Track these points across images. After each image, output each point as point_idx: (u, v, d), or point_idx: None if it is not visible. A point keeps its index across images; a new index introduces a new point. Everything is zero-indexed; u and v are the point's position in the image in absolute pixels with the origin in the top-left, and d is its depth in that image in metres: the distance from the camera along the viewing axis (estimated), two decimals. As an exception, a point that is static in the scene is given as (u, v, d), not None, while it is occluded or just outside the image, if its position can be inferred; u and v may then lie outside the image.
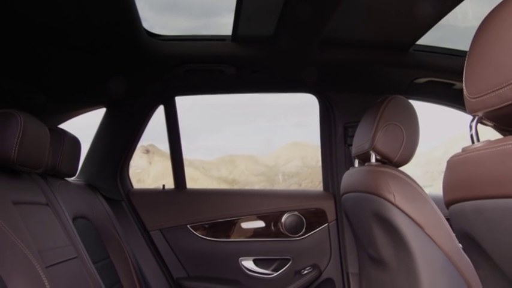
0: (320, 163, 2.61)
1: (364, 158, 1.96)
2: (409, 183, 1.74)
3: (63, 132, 1.87)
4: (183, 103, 2.52)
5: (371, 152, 1.85)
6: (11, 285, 1.06)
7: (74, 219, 1.80)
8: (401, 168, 1.81)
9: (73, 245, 1.61)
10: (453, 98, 2.40)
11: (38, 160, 1.45)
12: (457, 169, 0.98)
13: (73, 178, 2.21)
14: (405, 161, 1.86)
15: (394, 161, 1.83)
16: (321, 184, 2.64)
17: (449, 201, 1.06)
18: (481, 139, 0.94)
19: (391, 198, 1.71)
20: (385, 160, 1.85)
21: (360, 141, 1.96)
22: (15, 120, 1.32)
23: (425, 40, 2.02)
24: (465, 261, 1.64)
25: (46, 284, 1.15)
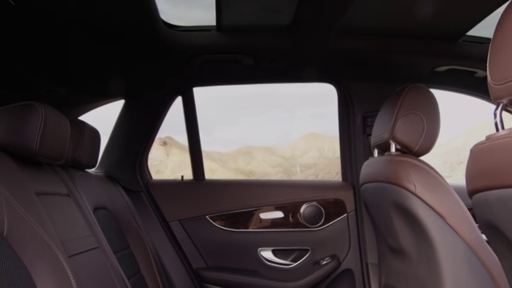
0: (337, 154, 2.60)
1: (384, 148, 1.94)
2: (430, 172, 1.72)
3: (83, 124, 1.88)
4: (200, 96, 2.53)
5: (391, 141, 1.84)
6: (35, 274, 1.07)
7: (95, 210, 1.82)
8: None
9: (94, 235, 1.63)
10: (475, 86, 2.36)
11: (59, 151, 1.47)
12: (481, 157, 0.96)
13: (93, 169, 2.23)
14: (426, 150, 1.83)
15: (414, 151, 1.81)
16: (338, 175, 2.63)
17: (472, 190, 1.04)
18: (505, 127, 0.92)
19: (412, 188, 1.69)
20: (405, 150, 1.83)
21: (379, 130, 1.94)
22: (37, 112, 1.33)
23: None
24: (488, 252, 1.62)
25: (69, 273, 1.17)
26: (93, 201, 1.84)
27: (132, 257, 2.05)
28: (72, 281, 1.17)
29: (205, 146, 2.58)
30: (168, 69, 2.19)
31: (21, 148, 1.32)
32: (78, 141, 1.82)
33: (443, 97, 2.11)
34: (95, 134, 1.98)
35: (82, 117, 2.54)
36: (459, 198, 1.69)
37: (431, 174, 1.72)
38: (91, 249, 1.54)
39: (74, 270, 1.18)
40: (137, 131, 2.52)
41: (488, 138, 0.94)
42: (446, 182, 1.72)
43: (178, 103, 2.54)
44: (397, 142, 1.82)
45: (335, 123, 2.55)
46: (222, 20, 1.85)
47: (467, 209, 1.67)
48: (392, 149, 1.85)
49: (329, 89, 2.51)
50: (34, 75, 2.04)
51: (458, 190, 1.73)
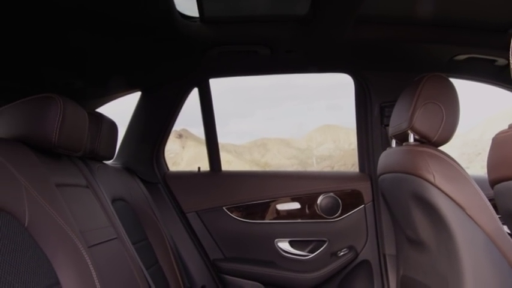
0: (353, 146, 2.59)
1: (402, 138, 1.92)
2: (450, 162, 1.70)
3: (101, 116, 1.89)
4: (214, 88, 2.51)
5: (409, 131, 1.82)
6: (56, 264, 1.09)
7: (113, 201, 1.83)
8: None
9: (113, 226, 1.64)
10: (495, 75, 2.32)
11: (77, 143, 1.48)
12: (503, 146, 0.94)
13: (110, 161, 2.24)
14: (445, 140, 1.81)
15: (433, 141, 1.79)
16: (354, 166, 2.61)
17: (494, 180, 1.02)
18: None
19: (431, 178, 1.68)
20: (423, 140, 1.81)
21: (397, 120, 1.92)
22: (55, 104, 1.34)
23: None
24: (509, 243, 1.60)
25: (89, 263, 1.18)
26: (112, 192, 1.85)
27: (150, 248, 2.07)
28: (92, 270, 1.18)
29: (220, 138, 2.58)
30: (185, 61, 2.18)
31: (40, 140, 1.33)
32: (96, 133, 1.83)
33: (459, 87, 2.08)
34: (112, 126, 2.00)
35: (99, 110, 2.56)
36: (479, 189, 1.67)
37: (450, 165, 1.70)
38: (110, 239, 1.56)
39: (93, 260, 1.20)
40: (154, 123, 2.53)
41: (511, 126, 0.92)
42: (466, 172, 1.69)
43: (193, 95, 2.54)
44: (415, 132, 1.80)
45: (351, 114, 2.53)
46: (238, 11, 1.84)
47: (487, 200, 1.65)
48: (411, 139, 1.83)
49: (345, 80, 2.49)
50: (52, 68, 2.05)
51: (478, 181, 1.71)
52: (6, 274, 0.91)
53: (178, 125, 2.55)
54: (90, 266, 1.18)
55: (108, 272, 1.40)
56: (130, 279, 1.60)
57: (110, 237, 1.56)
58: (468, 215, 1.64)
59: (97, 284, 1.18)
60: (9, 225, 0.98)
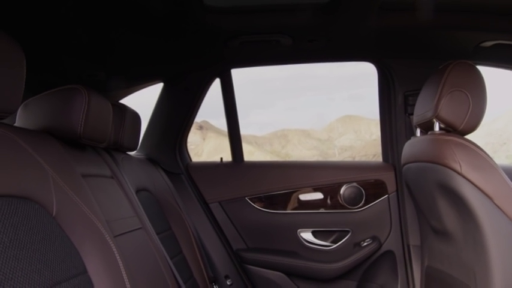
0: (374, 136, 2.56)
1: (427, 127, 1.89)
2: (476, 151, 1.67)
3: (124, 107, 1.91)
4: (235, 79, 2.52)
5: (434, 120, 1.79)
6: (83, 253, 1.10)
7: (137, 191, 1.84)
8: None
9: (138, 216, 1.66)
10: (523, 62, 2.26)
11: (102, 134, 1.49)
12: None
13: (134, 152, 2.26)
14: (471, 129, 1.78)
15: (459, 129, 1.76)
16: (375, 157, 2.59)
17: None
18: None
19: (457, 167, 1.65)
20: (449, 128, 1.78)
21: (422, 109, 1.89)
22: (80, 95, 1.35)
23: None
24: (537, 233, 1.57)
25: (115, 252, 1.19)
26: (136, 183, 1.87)
27: (174, 238, 2.09)
28: (119, 259, 1.19)
29: (240, 130, 2.58)
30: (207, 51, 2.18)
31: (66, 131, 1.34)
32: (119, 124, 1.85)
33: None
34: (135, 117, 2.01)
35: (122, 102, 2.58)
36: (507, 178, 1.64)
37: (477, 153, 1.66)
38: (135, 229, 1.57)
39: (119, 250, 1.21)
40: (176, 114, 2.54)
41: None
42: (494, 161, 1.66)
43: (213, 86, 2.54)
44: (441, 121, 1.77)
45: (372, 104, 2.51)
46: (260, 0, 1.82)
47: None
48: (436, 128, 1.80)
49: (366, 70, 2.46)
50: (75, 60, 2.07)
51: (504, 170, 1.67)
52: (36, 262, 0.92)
53: (199, 117, 2.56)
54: (117, 255, 1.19)
55: (134, 261, 1.41)
56: (156, 269, 1.61)
57: (135, 227, 1.58)
58: (496, 205, 1.62)
59: (123, 272, 1.19)
60: (38, 215, 0.99)
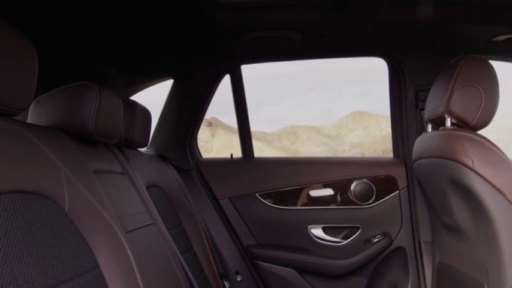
0: (383, 132, 2.55)
1: (438, 122, 1.88)
2: (489, 147, 1.65)
3: (135, 103, 1.91)
4: (243, 75, 2.51)
5: (446, 115, 1.77)
6: (95, 249, 1.11)
7: (148, 187, 1.85)
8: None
9: (149, 212, 1.66)
10: (537, 57, 2.23)
11: (113, 130, 1.50)
12: None
13: (144, 149, 2.27)
14: (483, 124, 1.76)
15: (471, 125, 1.74)
16: (385, 153, 2.58)
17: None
18: None
19: (469, 163, 1.63)
20: (461, 124, 1.76)
21: (433, 104, 1.88)
22: (92, 92, 1.36)
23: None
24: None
25: (127, 248, 1.19)
26: (146, 179, 1.87)
27: (185, 234, 2.09)
28: (130, 255, 1.20)
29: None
30: (217, 47, 2.18)
31: (78, 127, 1.35)
32: (130, 120, 1.85)
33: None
34: (146, 114, 2.02)
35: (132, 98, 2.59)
36: None
37: (490, 149, 1.65)
38: (146, 225, 1.58)
39: (131, 245, 1.21)
40: (186, 110, 2.54)
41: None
42: (507, 157, 1.64)
43: (222, 82, 2.54)
44: (452, 116, 1.76)
45: (381, 100, 2.50)
46: None
47: None
48: (448, 123, 1.78)
49: (376, 66, 2.45)
50: (86, 57, 2.08)
51: None
52: (49, 257, 0.93)
53: (208, 114, 2.57)
54: (128, 250, 1.20)
55: (145, 257, 1.42)
56: (167, 265, 1.62)
57: (146, 223, 1.58)
58: (508, 200, 1.60)
59: (135, 268, 1.20)
60: (51, 211, 1.00)
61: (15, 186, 0.91)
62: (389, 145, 2.52)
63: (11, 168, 0.91)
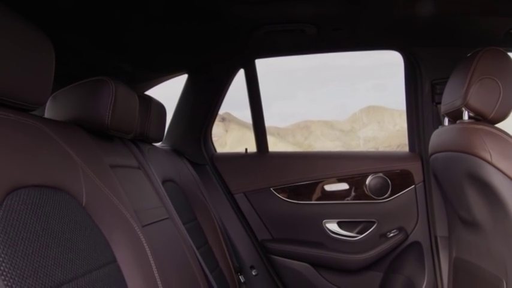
0: (398, 127, 2.53)
1: (455, 116, 1.86)
2: (507, 140, 1.63)
3: (150, 98, 1.92)
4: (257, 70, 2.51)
5: (463, 108, 1.75)
6: (112, 242, 1.11)
7: (163, 182, 1.86)
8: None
9: (164, 206, 1.67)
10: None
11: (129, 125, 1.50)
12: None
13: (159, 143, 2.28)
14: (501, 117, 1.73)
15: (489, 118, 1.71)
16: (399, 148, 2.55)
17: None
18: None
19: (487, 156, 1.61)
20: (479, 117, 1.74)
21: (450, 97, 1.86)
22: (108, 87, 1.37)
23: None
24: None
25: (143, 241, 1.20)
26: (162, 174, 1.88)
27: (200, 229, 2.10)
28: (147, 249, 1.20)
29: (263, 120, 2.57)
30: (231, 42, 2.18)
31: (94, 122, 1.36)
32: (145, 115, 1.86)
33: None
34: (161, 108, 2.02)
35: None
36: None
37: (508, 142, 1.63)
38: (162, 219, 1.59)
39: (147, 239, 1.22)
40: (201, 105, 2.55)
41: None
42: None
43: (236, 77, 2.54)
44: (470, 109, 1.73)
45: (395, 95, 2.49)
46: None
47: None
48: (465, 117, 1.76)
49: (390, 60, 2.44)
50: (101, 51, 2.08)
51: None
52: (68, 251, 0.93)
53: (221, 109, 2.57)
54: (145, 244, 1.20)
55: (162, 250, 1.42)
56: (183, 259, 1.63)
57: (162, 217, 1.59)
58: None
59: (152, 262, 1.20)
60: (69, 205, 1.01)
61: (33, 180, 0.91)
62: (403, 140, 2.50)
63: (29, 162, 0.92)
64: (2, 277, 0.74)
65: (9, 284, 0.74)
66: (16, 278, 0.76)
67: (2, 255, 0.76)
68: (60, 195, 0.99)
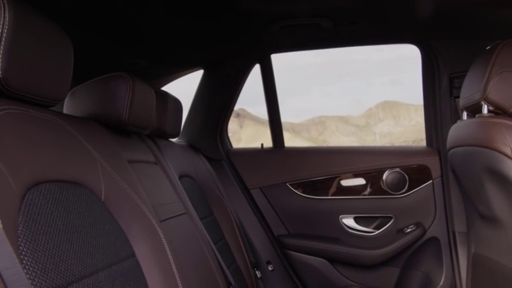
0: (413, 122, 2.50)
1: (474, 110, 1.83)
2: None
3: (166, 94, 1.93)
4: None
5: (482, 102, 1.72)
6: (131, 237, 1.12)
7: (180, 177, 1.86)
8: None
9: (181, 201, 1.68)
10: None
11: (146, 121, 1.51)
12: None
13: (176, 139, 2.29)
14: None
15: (509, 112, 1.69)
16: (415, 143, 2.53)
17: None
18: None
19: (508, 151, 1.59)
20: (498, 111, 1.71)
21: (469, 91, 1.83)
22: (125, 82, 1.38)
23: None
24: None
25: (161, 236, 1.21)
26: (178, 169, 1.89)
27: (216, 224, 2.10)
28: (165, 243, 1.21)
29: (279, 116, 2.56)
30: (246, 36, 2.17)
31: (112, 118, 1.37)
32: (162, 111, 1.87)
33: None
34: (177, 104, 2.03)
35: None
36: None
37: None
38: (179, 214, 1.59)
39: (165, 234, 1.23)
40: (217, 100, 2.55)
41: None
42: None
43: (250, 73, 2.54)
44: (489, 103, 1.71)
45: (411, 90, 2.46)
46: None
47: None
48: (485, 111, 1.74)
49: (405, 54, 2.41)
50: (117, 46, 2.09)
51: None
52: (88, 245, 0.94)
53: (236, 105, 2.57)
54: (163, 239, 1.21)
55: (179, 245, 1.43)
56: (200, 254, 1.63)
57: (179, 212, 1.60)
58: None
59: (170, 257, 1.21)
60: (88, 199, 1.02)
61: (54, 175, 0.92)
62: (419, 135, 2.47)
63: (49, 157, 0.93)
64: (25, 270, 0.75)
65: (31, 277, 0.75)
66: (38, 272, 0.77)
67: (25, 249, 0.77)
68: (79, 190, 1.00)
